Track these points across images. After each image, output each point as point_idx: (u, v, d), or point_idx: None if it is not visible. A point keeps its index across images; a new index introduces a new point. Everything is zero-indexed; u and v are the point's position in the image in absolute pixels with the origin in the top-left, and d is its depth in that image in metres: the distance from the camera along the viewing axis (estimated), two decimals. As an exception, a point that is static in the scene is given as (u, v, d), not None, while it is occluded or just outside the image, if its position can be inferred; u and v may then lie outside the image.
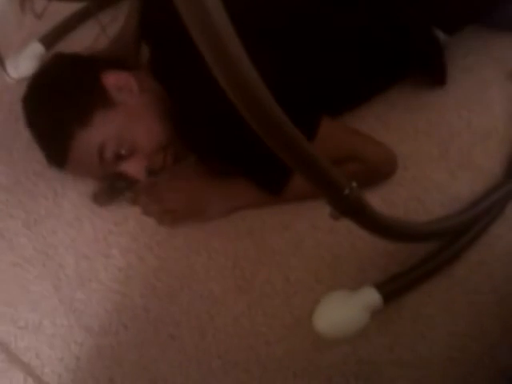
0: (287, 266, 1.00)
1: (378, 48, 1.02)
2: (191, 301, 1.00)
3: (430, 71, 1.11)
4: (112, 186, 1.08)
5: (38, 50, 1.36)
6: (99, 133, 0.96)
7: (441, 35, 1.05)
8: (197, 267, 1.03)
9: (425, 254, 0.97)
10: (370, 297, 0.93)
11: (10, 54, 1.35)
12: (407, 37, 1.03)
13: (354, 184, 0.63)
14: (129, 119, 0.98)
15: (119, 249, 1.06)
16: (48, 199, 1.13)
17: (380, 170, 1.02)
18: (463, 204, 1.01)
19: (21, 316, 1.03)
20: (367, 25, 1.02)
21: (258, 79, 0.47)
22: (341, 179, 0.62)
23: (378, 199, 1.01)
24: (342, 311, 0.94)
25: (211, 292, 1.00)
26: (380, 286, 0.93)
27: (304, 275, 0.99)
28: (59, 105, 0.98)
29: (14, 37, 1.40)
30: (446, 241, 0.97)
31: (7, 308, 1.03)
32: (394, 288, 0.95)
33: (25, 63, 1.34)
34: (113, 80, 0.99)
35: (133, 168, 1.00)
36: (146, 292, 1.02)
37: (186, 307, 1.00)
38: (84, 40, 1.26)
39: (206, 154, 1.06)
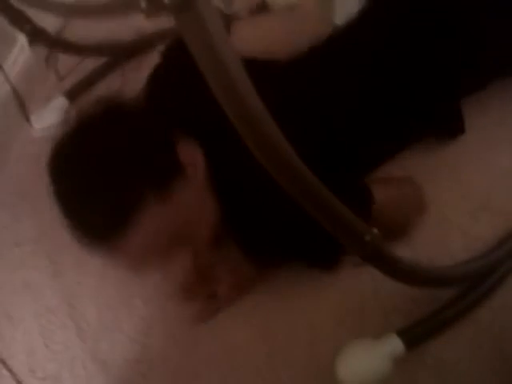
0: (310, 314, 0.99)
1: (404, 118, 1.03)
2: (212, 351, 1.00)
3: (450, 127, 1.11)
4: None
5: (63, 104, 1.41)
6: (175, 210, 0.82)
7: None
8: (218, 316, 1.02)
9: (448, 299, 0.96)
10: (393, 345, 0.90)
11: (34, 107, 1.40)
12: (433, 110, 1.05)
13: (375, 230, 0.64)
14: (196, 201, 0.87)
15: (142, 299, 1.07)
16: (73, 250, 1.15)
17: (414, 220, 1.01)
18: (486, 246, 1.00)
19: (40, 366, 1.03)
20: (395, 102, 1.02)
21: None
22: (361, 226, 0.63)
23: (401, 244, 1.01)
24: (365, 360, 0.92)
25: (233, 341, 1.00)
26: (403, 333, 0.91)
27: (327, 322, 0.98)
28: (124, 169, 0.79)
29: (38, 91, 1.46)
30: (470, 285, 0.96)
31: (28, 357, 1.04)
32: (416, 334, 0.92)
33: (49, 116, 1.39)
34: (189, 151, 0.87)
35: (181, 264, 0.88)
36: (167, 342, 1.01)
37: (207, 357, 0.99)
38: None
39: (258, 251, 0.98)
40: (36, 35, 1.39)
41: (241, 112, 0.47)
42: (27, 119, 1.36)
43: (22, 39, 1.42)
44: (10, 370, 1.01)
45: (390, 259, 0.69)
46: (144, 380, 0.99)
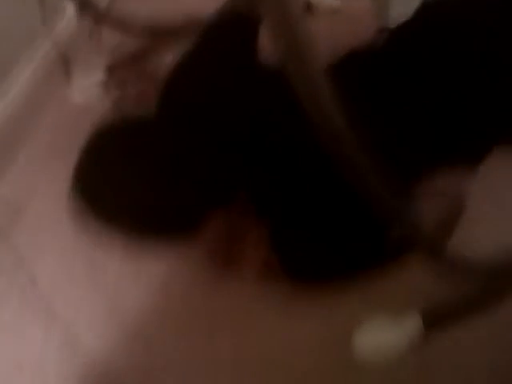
0: (331, 290, 1.01)
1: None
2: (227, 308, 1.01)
3: None
4: None
5: (101, 78, 1.43)
6: None
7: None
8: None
9: (472, 288, 0.97)
10: (413, 324, 0.94)
11: (74, 78, 1.42)
12: None
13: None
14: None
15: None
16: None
17: None
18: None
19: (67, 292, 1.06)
20: None
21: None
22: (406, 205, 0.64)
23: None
24: (384, 335, 0.96)
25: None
26: (423, 313, 0.95)
27: (348, 296, 1.00)
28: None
29: (79, 62, 1.48)
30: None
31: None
32: (437, 317, 0.96)
33: (88, 88, 1.41)
34: None
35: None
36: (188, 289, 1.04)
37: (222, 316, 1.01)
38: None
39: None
40: (84, 7, 1.43)
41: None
42: (69, 84, 1.38)
43: (70, 9, 1.44)
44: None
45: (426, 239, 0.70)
46: (160, 332, 1.01)
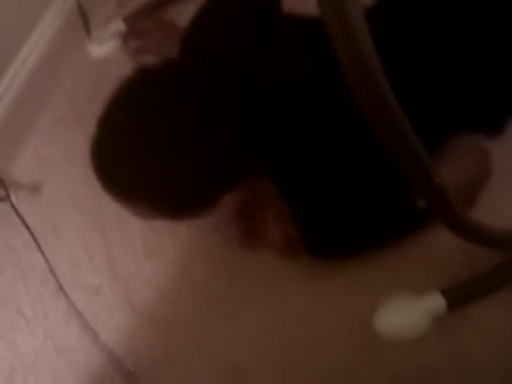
0: (350, 266, 0.98)
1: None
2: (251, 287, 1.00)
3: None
4: None
5: (120, 29, 1.40)
6: None
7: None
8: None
9: (495, 264, 0.94)
10: (435, 302, 0.91)
11: (93, 30, 1.39)
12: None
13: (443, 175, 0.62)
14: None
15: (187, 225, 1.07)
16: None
17: None
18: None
19: (83, 278, 1.06)
20: None
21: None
22: (433, 168, 0.61)
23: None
24: (405, 313, 0.93)
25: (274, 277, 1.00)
26: (446, 292, 0.91)
27: (369, 273, 0.98)
28: None
29: (98, 14, 1.44)
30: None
31: (72, 269, 1.07)
32: (459, 295, 0.92)
33: (107, 39, 1.38)
34: None
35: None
36: (209, 271, 1.03)
37: (247, 292, 1.00)
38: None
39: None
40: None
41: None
42: (88, 37, 1.35)
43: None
44: (54, 275, 1.04)
45: (453, 208, 0.68)
46: (184, 304, 1.01)
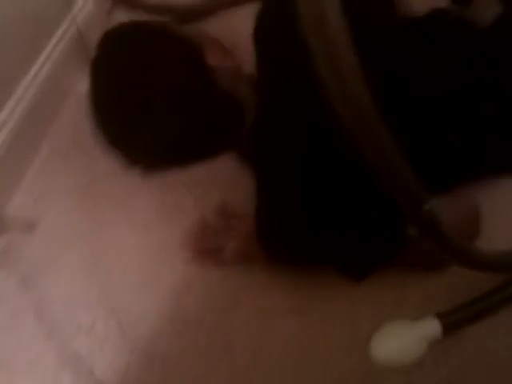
0: (353, 292, 0.98)
1: None
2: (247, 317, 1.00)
3: None
4: None
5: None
6: None
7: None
8: (254, 283, 1.02)
9: (490, 287, 0.94)
10: (431, 327, 0.91)
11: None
12: None
13: (436, 201, 0.62)
14: None
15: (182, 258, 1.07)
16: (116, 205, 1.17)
17: None
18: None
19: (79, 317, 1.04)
20: None
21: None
22: (423, 193, 0.62)
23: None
24: (400, 339, 0.93)
25: (270, 309, 1.00)
26: (441, 317, 0.91)
27: (368, 301, 0.98)
28: None
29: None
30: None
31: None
32: (455, 319, 0.92)
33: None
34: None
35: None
36: (203, 303, 1.02)
37: (242, 323, 1.00)
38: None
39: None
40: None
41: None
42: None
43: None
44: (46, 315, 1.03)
45: (444, 233, 0.68)
46: (179, 338, 0.99)
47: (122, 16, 1.30)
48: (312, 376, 0.93)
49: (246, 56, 1.00)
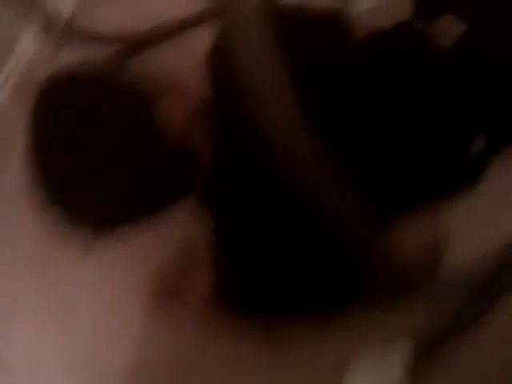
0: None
1: None
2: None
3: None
4: None
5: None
6: None
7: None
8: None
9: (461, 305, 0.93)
10: (404, 351, 0.91)
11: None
12: None
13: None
14: None
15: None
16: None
17: None
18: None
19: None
20: None
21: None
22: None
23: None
24: (373, 375, 0.93)
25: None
26: (415, 338, 0.91)
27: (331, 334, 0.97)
28: None
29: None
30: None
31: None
32: (427, 341, 0.92)
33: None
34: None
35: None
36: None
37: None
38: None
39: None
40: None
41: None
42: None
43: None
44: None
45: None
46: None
47: (70, 54, 1.29)
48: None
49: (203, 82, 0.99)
